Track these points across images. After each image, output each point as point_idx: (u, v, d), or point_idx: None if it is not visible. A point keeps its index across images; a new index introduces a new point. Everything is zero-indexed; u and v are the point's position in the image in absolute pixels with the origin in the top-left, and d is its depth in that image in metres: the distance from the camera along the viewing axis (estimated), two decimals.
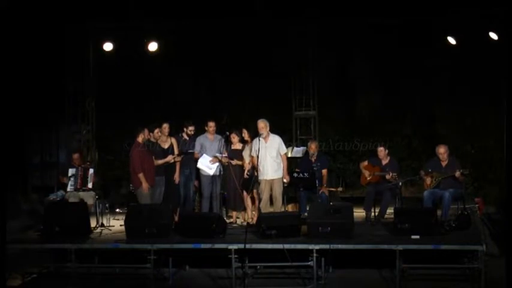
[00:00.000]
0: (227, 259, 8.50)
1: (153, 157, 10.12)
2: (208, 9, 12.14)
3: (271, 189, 10.02)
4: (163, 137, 10.37)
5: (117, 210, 11.71)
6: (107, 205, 10.75)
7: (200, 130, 10.70)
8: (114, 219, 10.89)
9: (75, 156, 10.76)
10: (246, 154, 10.35)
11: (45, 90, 13.34)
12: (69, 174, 10.48)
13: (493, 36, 11.60)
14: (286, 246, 8.42)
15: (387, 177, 10.31)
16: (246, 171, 10.23)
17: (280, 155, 10.11)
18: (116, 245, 8.97)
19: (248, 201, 10.40)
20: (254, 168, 10.00)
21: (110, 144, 14.34)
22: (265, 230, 8.83)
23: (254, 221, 9.76)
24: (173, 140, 10.42)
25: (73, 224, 9.25)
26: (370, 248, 8.53)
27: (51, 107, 13.62)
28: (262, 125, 9.97)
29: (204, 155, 10.29)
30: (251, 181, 10.10)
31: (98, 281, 8.94)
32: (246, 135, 10.41)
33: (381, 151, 10.55)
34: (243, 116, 14.06)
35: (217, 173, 10.33)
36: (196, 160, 10.48)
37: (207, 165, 10.30)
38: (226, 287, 8.67)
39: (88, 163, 11.19)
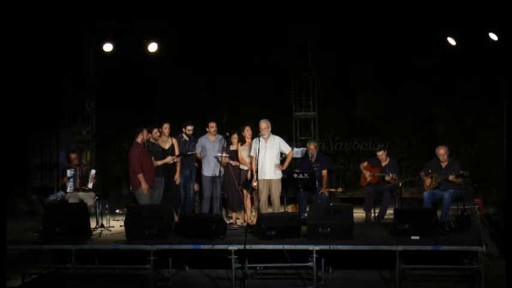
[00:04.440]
0: (227, 260, 8.49)
1: (153, 158, 10.11)
2: (208, 9, 12.15)
3: (269, 190, 10.02)
4: (164, 137, 10.36)
5: (117, 211, 11.70)
6: (106, 206, 10.75)
7: (200, 130, 10.69)
8: (113, 220, 10.90)
9: (73, 156, 10.75)
10: (245, 154, 10.35)
11: (45, 91, 13.33)
12: (68, 175, 10.48)
13: (493, 37, 11.61)
14: (286, 247, 8.40)
15: (387, 178, 10.32)
16: (249, 171, 10.22)
17: (286, 154, 10.14)
18: (116, 246, 8.96)
19: (248, 202, 10.41)
20: (252, 169, 10.01)
21: (109, 145, 14.35)
22: (265, 231, 8.82)
23: (254, 222, 9.75)
24: (174, 141, 10.40)
25: (73, 225, 9.23)
26: (370, 248, 8.53)
27: (51, 108, 13.61)
28: (265, 125, 9.96)
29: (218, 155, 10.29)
30: (251, 180, 10.11)
31: (98, 282, 8.92)
32: (248, 133, 10.36)
33: (381, 155, 10.56)
34: (243, 116, 14.05)
35: (218, 174, 10.33)
36: (198, 161, 10.50)
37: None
38: (226, 287, 8.66)
39: (83, 163, 11.15)
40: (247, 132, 10.38)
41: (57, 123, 13.81)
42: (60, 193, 10.74)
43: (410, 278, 8.49)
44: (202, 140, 10.47)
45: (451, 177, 9.80)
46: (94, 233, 9.80)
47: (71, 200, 10.21)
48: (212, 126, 10.44)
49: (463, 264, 8.57)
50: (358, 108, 15.24)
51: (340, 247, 8.46)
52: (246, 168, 10.35)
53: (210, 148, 10.37)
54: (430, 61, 13.59)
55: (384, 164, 10.56)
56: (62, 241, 8.94)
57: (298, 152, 12.07)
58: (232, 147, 10.51)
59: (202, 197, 10.52)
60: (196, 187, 10.71)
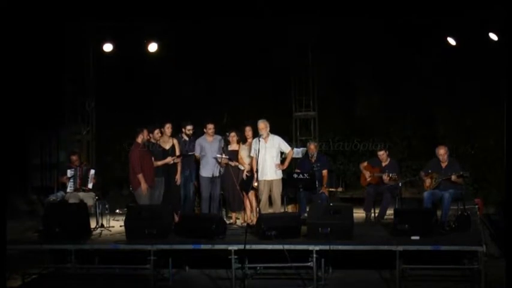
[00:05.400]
0: (227, 260, 8.49)
1: (153, 158, 10.11)
2: (208, 9, 12.15)
3: (270, 190, 10.01)
4: (165, 137, 10.36)
5: (117, 211, 11.70)
6: (106, 206, 10.74)
7: (200, 130, 10.69)
8: (113, 220, 10.89)
9: (74, 158, 10.76)
10: (245, 154, 10.35)
11: (45, 91, 13.34)
12: (68, 175, 10.49)
13: (493, 37, 11.61)
14: (286, 247, 8.39)
15: (384, 177, 10.31)
16: (245, 172, 10.24)
17: (286, 153, 10.14)
18: (116, 246, 8.97)
19: (247, 202, 10.41)
20: (253, 169, 10.02)
21: (109, 145, 14.35)
22: (265, 231, 8.82)
23: (254, 222, 9.75)
24: (175, 141, 10.39)
25: (73, 225, 9.23)
26: (370, 248, 8.53)
27: (51, 108, 13.62)
28: (263, 125, 9.97)
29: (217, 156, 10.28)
30: (251, 181, 10.11)
31: (98, 282, 8.92)
32: (249, 134, 10.37)
33: (382, 155, 10.55)
34: (243, 116, 14.06)
35: (217, 174, 10.32)
36: (197, 162, 10.50)
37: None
38: (226, 287, 8.66)
39: (83, 163, 11.14)
40: (248, 132, 10.38)
41: (57, 123, 13.81)
42: (60, 193, 10.74)
43: (410, 278, 8.49)
44: (200, 141, 10.46)
45: (453, 178, 9.79)
46: (94, 233, 9.80)
47: (71, 200, 10.22)
48: (210, 128, 10.42)
49: (463, 264, 8.57)
50: (358, 108, 15.24)
51: (340, 247, 8.46)
52: (242, 168, 10.34)
53: (208, 149, 10.36)
54: (430, 61, 13.58)
55: (384, 163, 10.56)
56: (62, 241, 8.94)
57: (298, 152, 12.07)
58: (231, 147, 10.50)
59: (201, 197, 10.52)
60: (195, 183, 10.71)
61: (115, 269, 9.15)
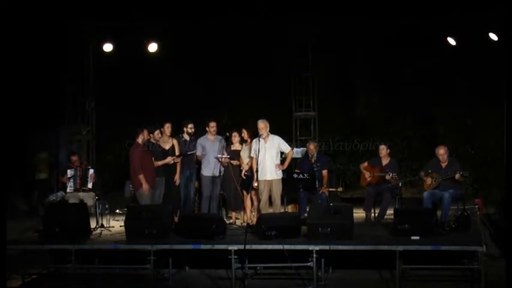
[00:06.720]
0: (227, 260, 8.49)
1: (153, 158, 10.11)
2: (208, 9, 12.16)
3: (270, 190, 10.02)
4: (165, 137, 10.35)
5: (117, 211, 11.70)
6: (106, 206, 10.75)
7: (200, 129, 10.69)
8: (114, 220, 10.90)
9: (74, 158, 10.78)
10: (245, 154, 10.36)
11: (45, 91, 13.35)
12: (68, 175, 10.50)
13: (493, 37, 11.62)
14: (286, 247, 8.39)
15: (387, 177, 10.32)
16: (243, 171, 10.25)
17: (286, 153, 10.15)
18: (116, 246, 8.96)
19: (248, 202, 10.42)
20: (252, 169, 10.03)
21: (109, 145, 14.36)
22: (265, 231, 8.81)
23: (254, 222, 9.76)
24: (175, 142, 10.39)
25: (73, 225, 9.23)
26: (370, 248, 8.52)
27: (51, 108, 13.63)
28: (262, 125, 9.97)
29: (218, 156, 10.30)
30: (251, 181, 10.11)
31: (98, 282, 8.92)
32: (245, 135, 10.42)
33: (383, 149, 10.56)
34: (243, 116, 14.07)
35: (217, 174, 10.33)
36: (198, 161, 10.50)
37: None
38: (226, 287, 8.66)
39: (84, 164, 11.15)
40: (244, 134, 10.41)
41: (57, 123, 13.82)
42: (60, 193, 10.76)
43: (410, 278, 8.49)
44: (201, 141, 10.46)
45: (457, 176, 9.76)
46: (94, 233, 9.80)
47: (71, 200, 10.24)
48: (212, 126, 10.44)
49: (463, 264, 8.56)
50: (358, 108, 15.27)
51: (340, 247, 8.45)
52: (242, 168, 10.36)
53: (210, 148, 10.36)
54: (430, 61, 13.59)
55: (384, 163, 10.57)
56: (62, 241, 8.93)
57: (298, 152, 12.08)
58: (234, 147, 10.50)
59: (201, 196, 10.52)
60: (196, 184, 10.71)
61: (115, 269, 9.15)
